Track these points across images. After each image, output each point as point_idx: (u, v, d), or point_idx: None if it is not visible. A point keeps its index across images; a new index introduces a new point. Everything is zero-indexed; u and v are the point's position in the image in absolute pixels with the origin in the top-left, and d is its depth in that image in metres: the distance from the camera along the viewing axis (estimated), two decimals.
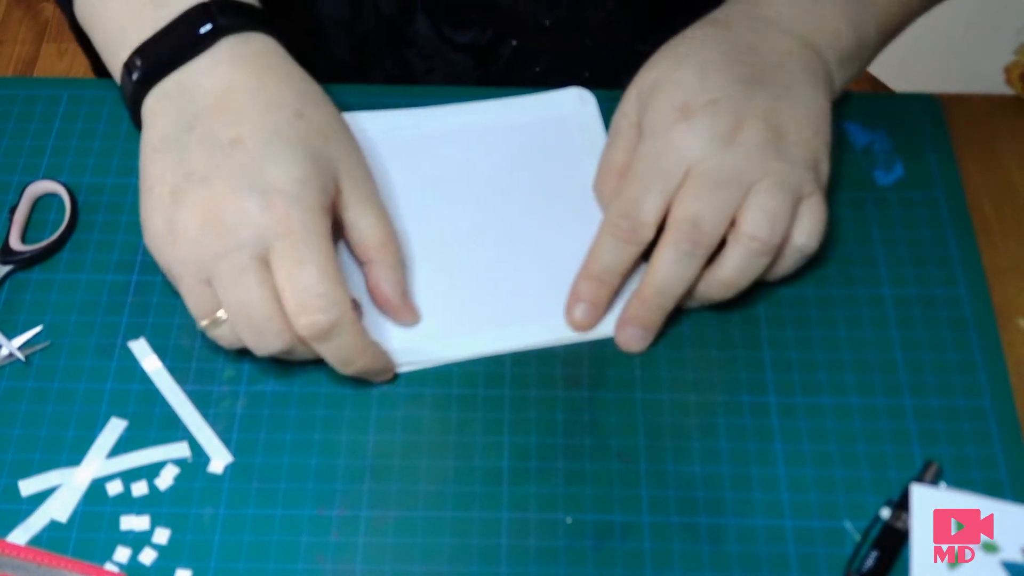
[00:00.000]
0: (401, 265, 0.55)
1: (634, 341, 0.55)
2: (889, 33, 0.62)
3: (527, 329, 0.55)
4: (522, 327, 0.55)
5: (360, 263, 0.56)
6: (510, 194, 0.60)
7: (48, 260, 0.58)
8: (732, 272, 0.53)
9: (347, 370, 0.52)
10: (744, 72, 0.55)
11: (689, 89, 0.54)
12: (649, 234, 0.54)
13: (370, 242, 0.54)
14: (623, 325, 0.55)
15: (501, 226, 0.59)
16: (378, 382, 0.54)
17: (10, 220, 0.59)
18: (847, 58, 0.59)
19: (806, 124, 0.55)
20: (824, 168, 0.55)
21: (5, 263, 0.57)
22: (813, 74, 0.56)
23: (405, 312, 0.55)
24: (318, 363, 0.54)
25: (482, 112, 0.63)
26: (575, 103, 0.63)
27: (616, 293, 0.56)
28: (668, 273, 0.53)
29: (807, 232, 0.54)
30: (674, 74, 0.55)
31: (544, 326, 0.55)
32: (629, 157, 0.56)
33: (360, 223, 0.54)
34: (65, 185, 0.60)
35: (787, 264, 0.55)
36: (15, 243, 0.58)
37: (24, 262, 0.57)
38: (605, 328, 0.56)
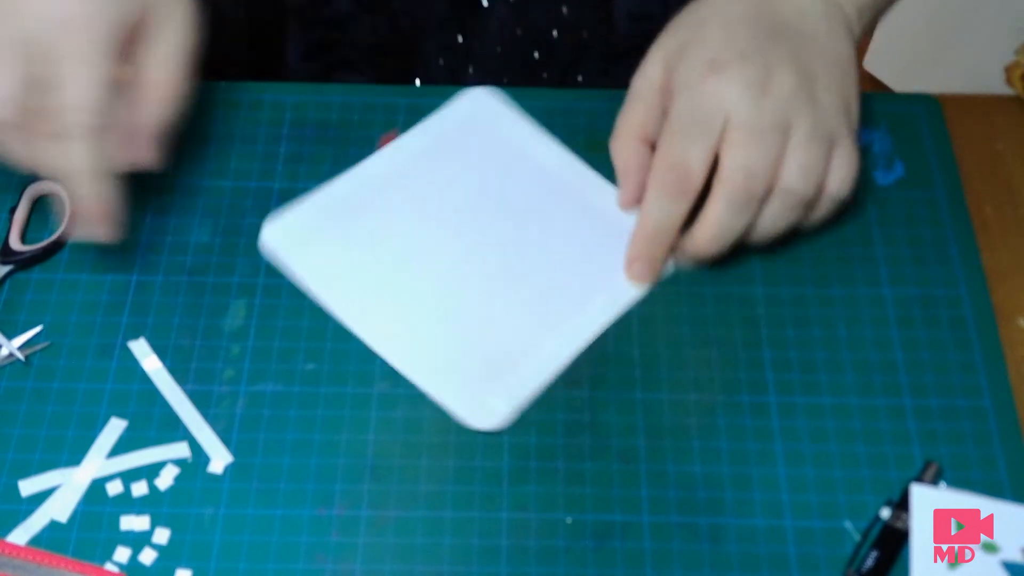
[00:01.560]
0: (171, 110, 0.56)
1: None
2: None
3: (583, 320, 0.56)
4: (576, 322, 0.56)
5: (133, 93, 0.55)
6: (491, 206, 0.59)
7: (48, 260, 0.58)
8: (769, 224, 0.54)
9: (72, 185, 0.53)
10: (767, 25, 0.55)
11: (716, 45, 0.54)
12: (699, 185, 0.54)
13: (154, 75, 0.55)
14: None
15: (501, 239, 0.58)
16: (96, 234, 0.54)
17: (10, 220, 0.59)
18: (865, 6, 0.59)
19: (835, 69, 0.55)
20: (855, 111, 0.56)
21: (5, 263, 0.57)
22: (834, 22, 0.57)
23: (147, 152, 0.55)
24: (318, 363, 0.54)
25: (406, 145, 0.62)
26: (478, 101, 0.63)
27: (671, 248, 0.56)
28: (724, 225, 0.53)
29: (840, 179, 0.54)
30: (700, 33, 0.55)
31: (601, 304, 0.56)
32: (651, 120, 0.56)
33: (152, 55, 0.55)
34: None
35: (822, 211, 0.56)
36: (15, 243, 0.58)
37: (24, 262, 0.57)
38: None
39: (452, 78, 0.72)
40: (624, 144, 0.58)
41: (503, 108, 0.63)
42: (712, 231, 0.54)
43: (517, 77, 0.71)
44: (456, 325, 0.55)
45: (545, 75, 0.72)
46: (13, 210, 0.59)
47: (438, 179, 0.60)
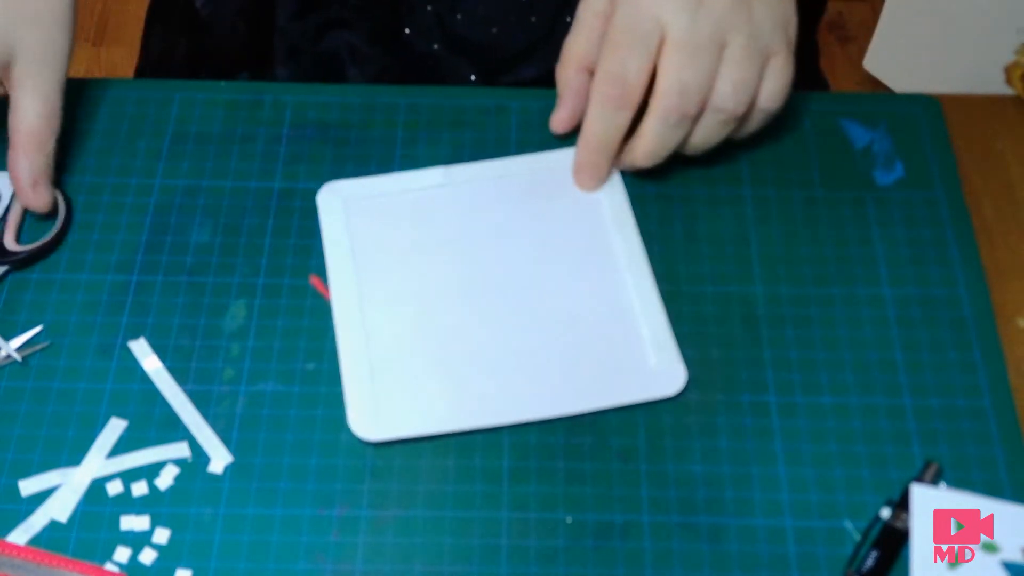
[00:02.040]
0: (43, 155, 0.57)
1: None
2: None
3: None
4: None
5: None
6: (531, 261, 0.58)
7: (47, 260, 0.58)
8: (701, 138, 0.57)
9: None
10: None
11: None
12: (637, 97, 0.56)
13: (19, 126, 0.57)
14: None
15: (524, 301, 0.57)
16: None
17: (3, 221, 0.59)
18: None
19: None
20: (792, 28, 0.58)
21: (1, 263, 0.57)
22: None
23: (33, 199, 0.58)
24: (318, 363, 0.54)
25: (492, 168, 0.62)
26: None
27: (614, 156, 0.58)
28: (659, 140, 0.56)
29: (770, 94, 0.57)
30: None
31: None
32: (593, 48, 0.58)
33: (19, 104, 0.57)
34: (59, 184, 0.60)
35: (753, 125, 0.59)
36: (9, 243, 0.58)
37: (20, 262, 0.57)
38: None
39: (441, 27, 0.71)
40: (566, 71, 0.60)
41: (614, 173, 0.61)
42: (648, 146, 0.57)
43: (506, 24, 0.71)
44: (428, 343, 0.55)
45: (534, 19, 0.71)
46: (6, 211, 0.59)
47: (498, 213, 0.60)
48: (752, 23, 0.55)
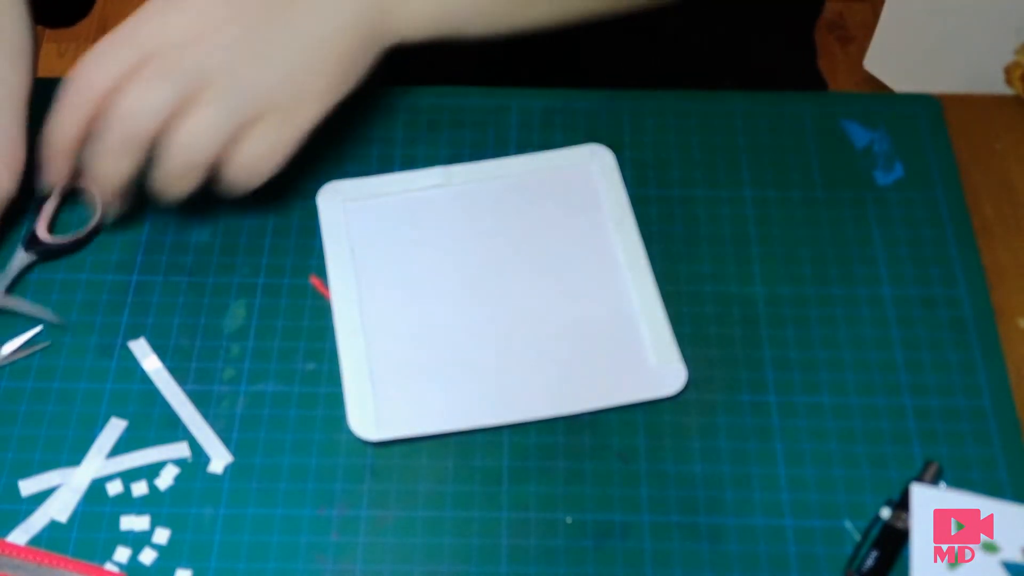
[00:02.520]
0: (8, 187, 0.55)
1: None
2: None
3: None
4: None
5: None
6: (532, 259, 0.58)
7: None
8: (163, 177, 0.55)
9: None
10: None
11: None
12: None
13: None
14: None
15: (524, 299, 0.57)
16: None
17: (39, 211, 0.58)
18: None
19: (307, 44, 0.55)
20: (313, 96, 0.55)
21: (29, 252, 0.57)
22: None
23: None
24: (318, 363, 0.54)
25: (499, 167, 0.62)
26: (596, 157, 0.62)
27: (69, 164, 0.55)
28: (108, 167, 0.54)
29: (243, 161, 0.55)
30: None
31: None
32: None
33: None
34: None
35: (234, 181, 0.55)
36: (42, 233, 0.58)
37: (50, 253, 0.57)
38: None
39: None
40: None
41: (614, 174, 0.61)
42: (100, 169, 0.54)
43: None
44: (428, 343, 0.55)
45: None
46: (43, 201, 0.59)
47: (498, 213, 0.60)
48: (247, 70, 0.53)
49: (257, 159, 0.54)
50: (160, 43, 0.53)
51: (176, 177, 0.54)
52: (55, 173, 0.55)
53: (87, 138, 0.54)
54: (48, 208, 0.59)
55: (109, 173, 0.54)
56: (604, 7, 0.62)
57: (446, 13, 0.59)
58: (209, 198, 0.56)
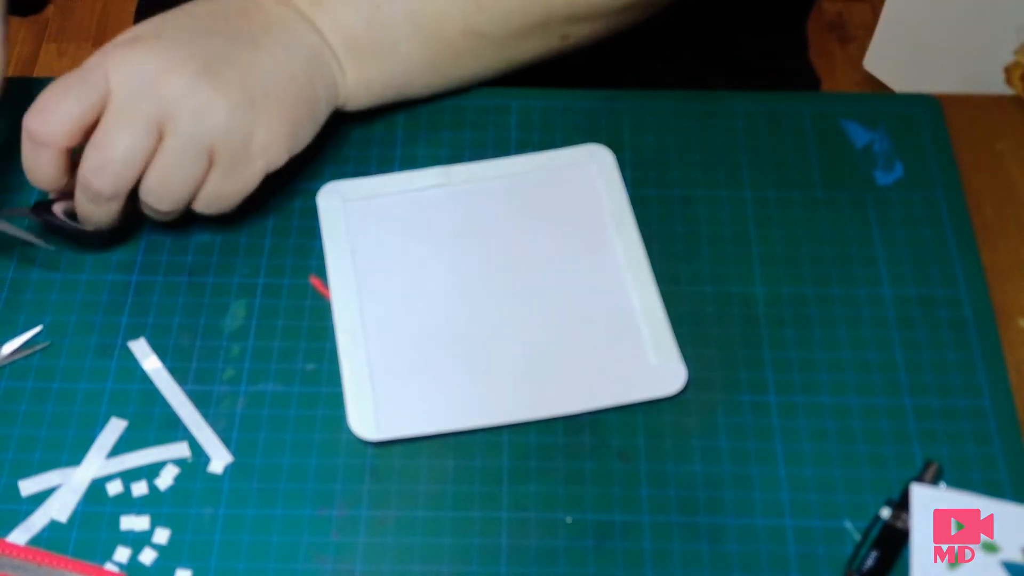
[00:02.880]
0: None
1: None
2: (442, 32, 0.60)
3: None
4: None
5: None
6: (533, 260, 0.58)
7: (46, 261, 0.58)
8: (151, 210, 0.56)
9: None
10: (228, 25, 0.56)
11: (154, 23, 0.56)
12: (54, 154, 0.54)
13: None
14: None
15: (524, 299, 0.57)
16: None
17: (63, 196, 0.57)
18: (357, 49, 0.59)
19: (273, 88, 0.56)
20: (270, 141, 0.56)
21: (34, 212, 0.57)
22: (306, 59, 0.57)
23: None
24: (318, 363, 0.54)
25: (498, 166, 0.62)
26: (596, 157, 0.62)
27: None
28: (82, 209, 0.55)
29: (203, 197, 0.56)
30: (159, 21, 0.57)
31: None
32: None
33: None
34: None
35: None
36: (59, 210, 0.57)
37: (54, 228, 0.57)
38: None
39: None
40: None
41: (614, 174, 0.61)
42: (85, 213, 0.55)
43: None
44: (428, 343, 0.55)
45: None
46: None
47: (498, 213, 0.60)
48: (204, 111, 0.53)
49: (216, 200, 0.56)
50: (123, 79, 0.53)
51: (156, 213, 0.56)
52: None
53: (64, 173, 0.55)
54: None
55: (96, 218, 0.55)
56: (532, 55, 0.63)
57: (384, 85, 0.61)
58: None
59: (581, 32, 0.63)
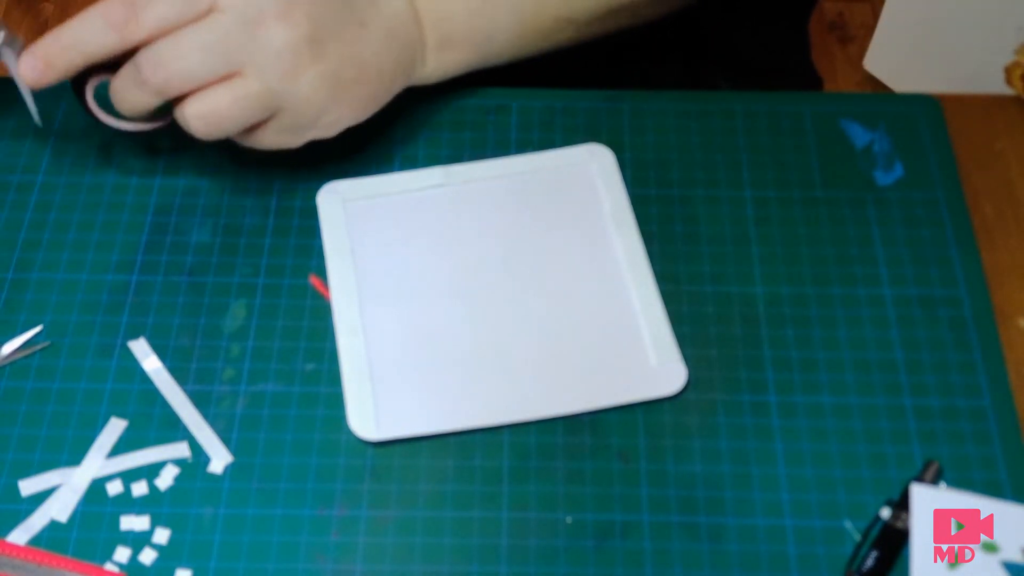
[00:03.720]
0: None
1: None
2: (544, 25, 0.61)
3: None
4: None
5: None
6: (533, 260, 0.58)
7: (47, 259, 0.58)
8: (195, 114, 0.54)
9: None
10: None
11: None
12: (134, 33, 0.51)
13: None
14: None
15: (525, 297, 0.57)
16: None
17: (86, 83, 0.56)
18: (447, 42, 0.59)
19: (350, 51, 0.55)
20: (333, 108, 0.55)
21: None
22: (397, 39, 0.57)
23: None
24: (318, 363, 0.54)
25: (498, 166, 0.62)
26: (596, 156, 0.62)
27: (75, 69, 0.53)
28: (121, 92, 0.53)
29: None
30: None
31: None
32: None
33: None
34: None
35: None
36: (91, 89, 0.55)
37: (106, 127, 0.56)
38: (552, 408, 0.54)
39: None
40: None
41: (614, 173, 0.61)
42: (122, 95, 0.53)
43: None
44: (428, 343, 0.55)
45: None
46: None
47: (498, 213, 0.60)
48: (297, 84, 0.52)
49: (253, 142, 0.56)
50: (232, 3, 0.51)
51: (192, 132, 0.54)
52: (61, 72, 0.53)
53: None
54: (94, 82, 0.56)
55: (129, 101, 0.53)
56: (603, 33, 0.64)
57: (459, 70, 0.61)
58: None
59: (651, 12, 0.65)
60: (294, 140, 0.56)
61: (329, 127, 0.56)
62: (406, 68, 0.58)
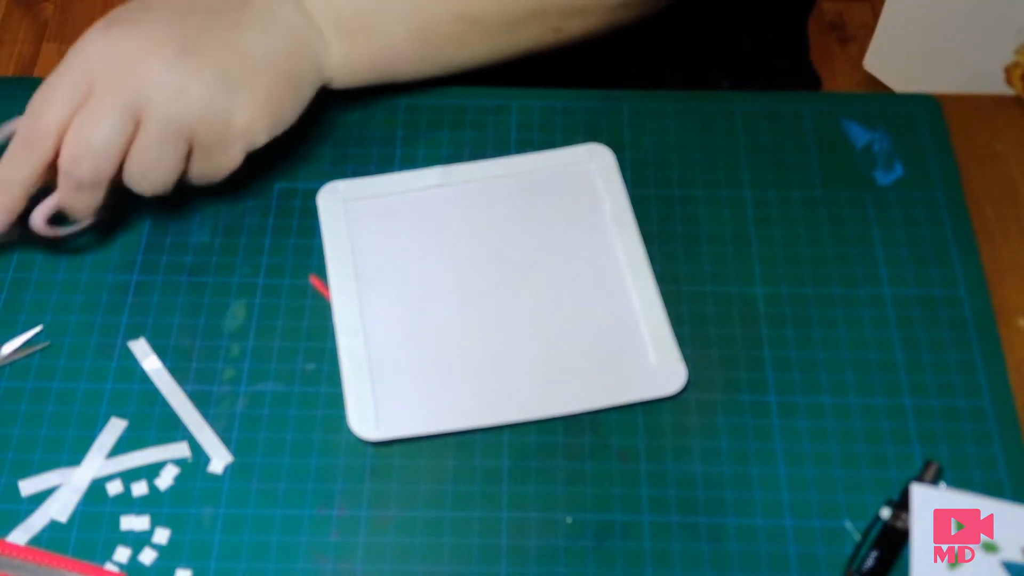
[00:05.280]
0: None
1: None
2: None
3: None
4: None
5: None
6: (533, 259, 0.58)
7: (46, 259, 0.58)
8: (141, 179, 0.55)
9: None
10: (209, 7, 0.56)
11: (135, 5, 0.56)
12: (46, 147, 0.53)
13: None
14: None
15: (524, 296, 0.57)
16: None
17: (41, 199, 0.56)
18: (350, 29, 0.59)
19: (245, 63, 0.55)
20: (247, 119, 0.55)
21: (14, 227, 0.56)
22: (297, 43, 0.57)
23: None
24: (318, 363, 0.54)
25: (498, 165, 0.62)
26: (596, 156, 0.62)
27: (22, 203, 0.55)
28: (65, 201, 0.55)
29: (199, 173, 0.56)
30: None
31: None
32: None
33: None
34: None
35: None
36: (36, 219, 0.56)
37: (30, 237, 0.57)
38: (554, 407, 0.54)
39: None
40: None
41: (614, 173, 0.61)
42: (69, 204, 0.55)
43: None
44: (428, 343, 0.55)
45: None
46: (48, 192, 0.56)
47: (498, 213, 0.60)
48: (183, 91, 0.53)
49: (198, 178, 0.56)
50: (102, 66, 0.53)
51: (144, 193, 0.55)
52: (7, 212, 0.55)
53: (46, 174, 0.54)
54: (51, 201, 0.57)
55: (80, 207, 0.55)
56: (523, 47, 0.63)
57: (371, 65, 0.61)
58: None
59: (574, 26, 0.62)
60: (227, 159, 0.56)
61: (250, 132, 0.55)
62: (307, 55, 0.57)
